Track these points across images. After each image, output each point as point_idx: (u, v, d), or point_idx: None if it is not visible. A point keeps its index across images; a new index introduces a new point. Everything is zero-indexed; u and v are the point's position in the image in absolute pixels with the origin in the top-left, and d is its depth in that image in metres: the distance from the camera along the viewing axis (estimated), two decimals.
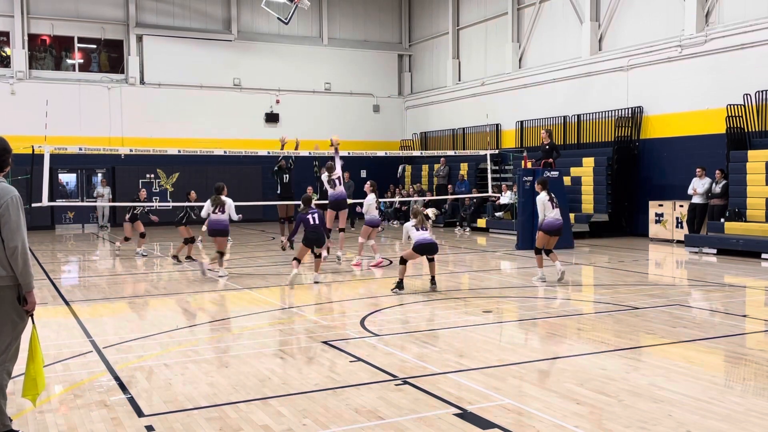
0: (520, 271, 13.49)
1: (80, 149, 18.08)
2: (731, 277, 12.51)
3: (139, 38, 26.75)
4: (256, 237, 21.42)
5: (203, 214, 13.15)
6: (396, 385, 6.02)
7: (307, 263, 13.29)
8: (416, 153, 27.36)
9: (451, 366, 6.60)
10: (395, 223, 25.47)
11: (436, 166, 26.05)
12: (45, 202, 14.73)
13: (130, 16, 26.54)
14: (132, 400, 5.70)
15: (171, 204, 21.20)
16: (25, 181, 17.61)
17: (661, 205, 18.50)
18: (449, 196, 24.02)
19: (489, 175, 20.54)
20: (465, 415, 5.21)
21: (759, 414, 5.19)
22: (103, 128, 25.70)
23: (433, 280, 10.95)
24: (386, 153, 24.86)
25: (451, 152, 25.29)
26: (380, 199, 15.64)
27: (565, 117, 22.20)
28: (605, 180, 19.87)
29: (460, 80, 27.84)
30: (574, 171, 20.53)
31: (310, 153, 18.15)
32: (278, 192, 17.13)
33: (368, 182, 14.62)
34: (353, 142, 27.53)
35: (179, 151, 19.03)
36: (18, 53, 25.09)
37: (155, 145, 24.92)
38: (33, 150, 14.39)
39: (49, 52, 26.17)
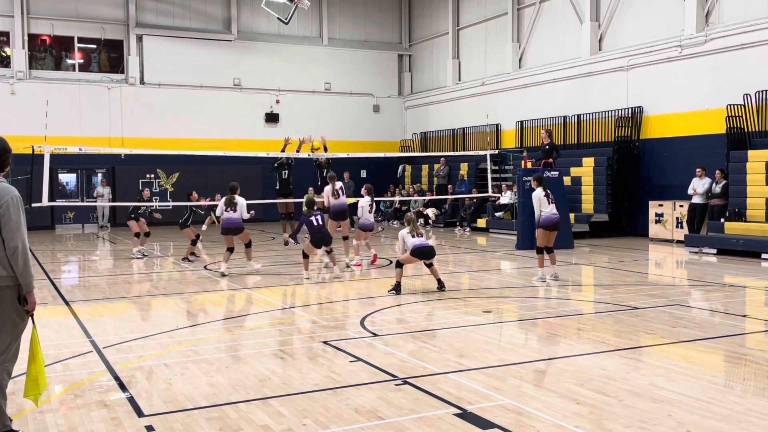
0: (520, 271, 13.49)
1: (80, 149, 18.08)
2: (731, 277, 12.51)
3: (139, 38, 26.75)
4: (257, 237, 21.37)
5: (217, 213, 13.66)
6: (396, 385, 6.02)
7: (314, 262, 13.27)
8: (416, 153, 27.40)
9: (451, 366, 6.60)
10: (395, 223, 25.47)
11: (436, 166, 26.06)
12: (45, 202, 14.73)
13: (130, 16, 26.54)
14: (132, 400, 5.70)
15: (171, 203, 21.22)
16: (25, 181, 17.60)
17: (661, 205, 18.50)
18: (449, 196, 24.03)
19: (489, 175, 20.54)
20: (465, 415, 5.21)
21: (759, 414, 5.19)
22: (103, 128, 25.70)
23: (439, 282, 10.92)
24: (386, 153, 24.95)
25: (451, 152, 25.30)
26: (380, 198, 15.60)
27: (565, 117, 22.20)
28: (605, 180, 19.88)
29: (460, 80, 27.84)
30: (574, 171, 20.54)
31: (308, 155, 18.10)
32: (277, 188, 17.11)
33: (365, 186, 14.53)
34: (353, 142, 27.58)
35: (179, 151, 19.05)
36: (18, 53, 25.09)
37: (155, 145, 24.95)
38: (33, 150, 14.38)
39: (49, 52, 26.17)
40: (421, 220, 23.42)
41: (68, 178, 26.36)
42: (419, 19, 30.49)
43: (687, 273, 13.57)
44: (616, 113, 20.31)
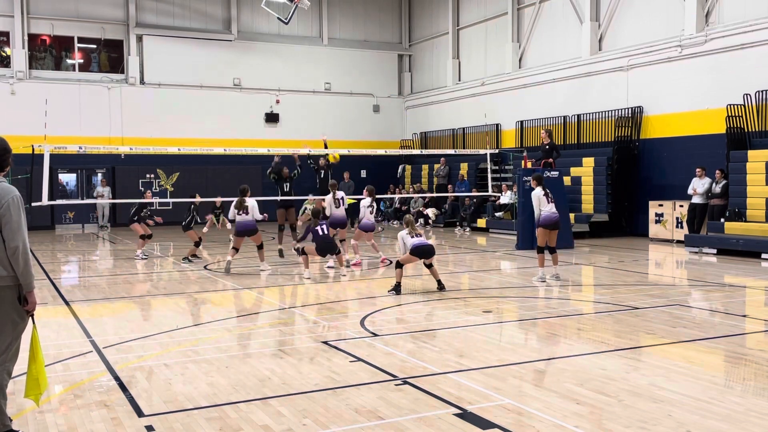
0: (520, 271, 13.49)
1: (80, 149, 18.06)
2: (731, 277, 12.51)
3: (139, 38, 26.75)
4: None
5: (229, 216, 13.73)
6: (396, 385, 6.02)
7: (314, 262, 13.27)
8: (416, 153, 27.39)
9: (451, 366, 6.60)
10: (395, 223, 25.47)
11: (436, 166, 26.05)
12: (45, 201, 14.73)
13: (130, 16, 26.54)
14: (132, 400, 5.70)
15: (170, 201, 21.22)
16: (25, 180, 17.59)
17: (661, 205, 18.50)
18: (449, 194, 24.02)
19: (489, 175, 20.53)
20: (465, 415, 5.21)
21: (759, 414, 5.19)
22: (103, 128, 25.70)
23: (439, 283, 10.93)
24: (386, 152, 24.92)
25: (451, 152, 25.30)
26: (381, 196, 15.58)
27: (565, 117, 22.21)
28: (605, 180, 19.88)
29: (460, 80, 27.84)
30: (574, 171, 20.54)
31: (310, 163, 17.80)
32: (278, 199, 17.01)
33: (366, 188, 14.57)
34: (353, 142, 27.57)
35: (179, 149, 19.01)
36: (18, 53, 25.09)
37: (155, 145, 24.93)
38: (33, 150, 14.38)
39: (49, 52, 26.17)
40: (421, 220, 23.43)
41: (68, 178, 26.36)
42: (419, 19, 30.49)
43: (687, 273, 13.57)
44: (616, 113, 20.31)
